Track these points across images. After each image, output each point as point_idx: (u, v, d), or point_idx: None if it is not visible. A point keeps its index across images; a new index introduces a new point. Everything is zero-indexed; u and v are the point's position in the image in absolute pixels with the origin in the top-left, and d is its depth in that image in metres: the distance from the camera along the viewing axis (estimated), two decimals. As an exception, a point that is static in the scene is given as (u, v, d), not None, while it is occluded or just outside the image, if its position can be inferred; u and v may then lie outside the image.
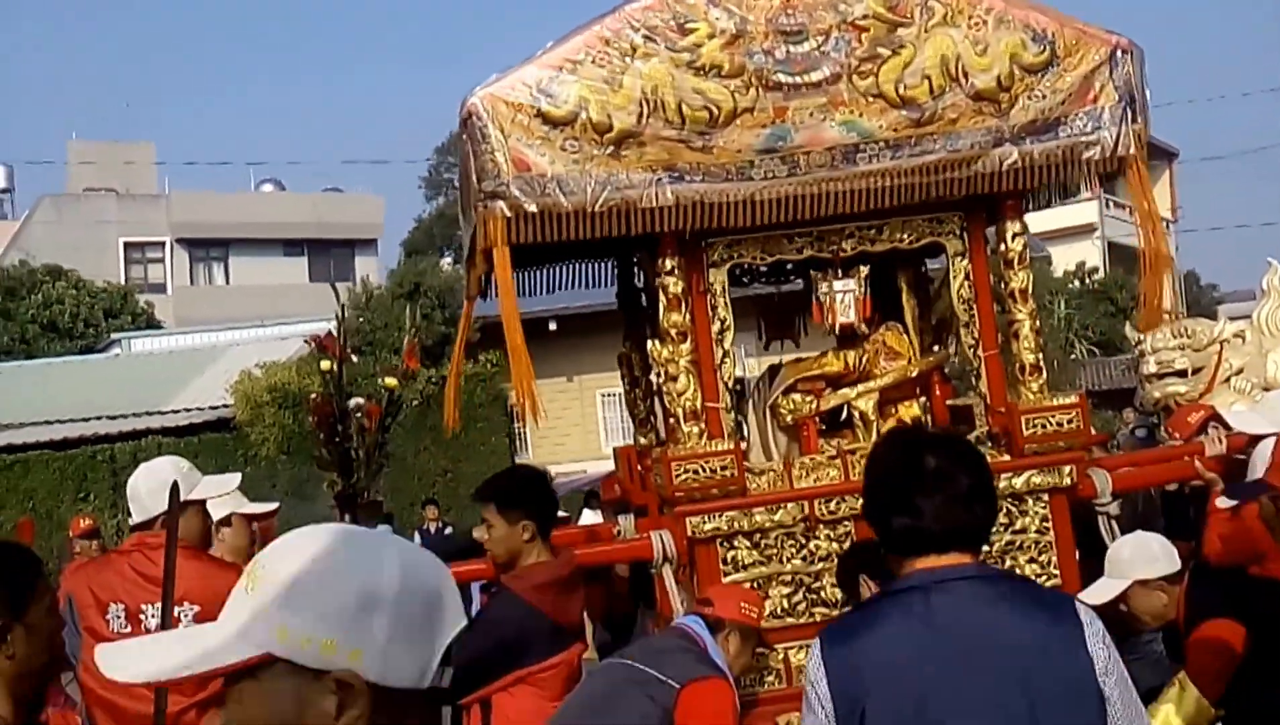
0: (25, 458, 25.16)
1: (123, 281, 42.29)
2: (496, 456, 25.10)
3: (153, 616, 4.96)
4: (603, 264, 7.15)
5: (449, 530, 18.82)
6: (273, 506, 6.91)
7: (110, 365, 32.82)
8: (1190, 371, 9.36)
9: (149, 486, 5.29)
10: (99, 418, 26.31)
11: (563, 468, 22.67)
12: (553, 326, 26.19)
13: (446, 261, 39.17)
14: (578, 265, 7.05)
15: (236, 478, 6.14)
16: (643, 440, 7.13)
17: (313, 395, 5.83)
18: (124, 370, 31.36)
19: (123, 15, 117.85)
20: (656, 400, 6.65)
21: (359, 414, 5.77)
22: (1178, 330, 9.67)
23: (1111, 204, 41.62)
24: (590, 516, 14.81)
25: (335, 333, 5.77)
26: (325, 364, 5.79)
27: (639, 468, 6.92)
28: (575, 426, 28.50)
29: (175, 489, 4.66)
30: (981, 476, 3.08)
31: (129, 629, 5.03)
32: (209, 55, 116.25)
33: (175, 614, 4.60)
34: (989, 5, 5.47)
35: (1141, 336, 9.78)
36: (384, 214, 51.05)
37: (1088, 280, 37.14)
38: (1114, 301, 34.45)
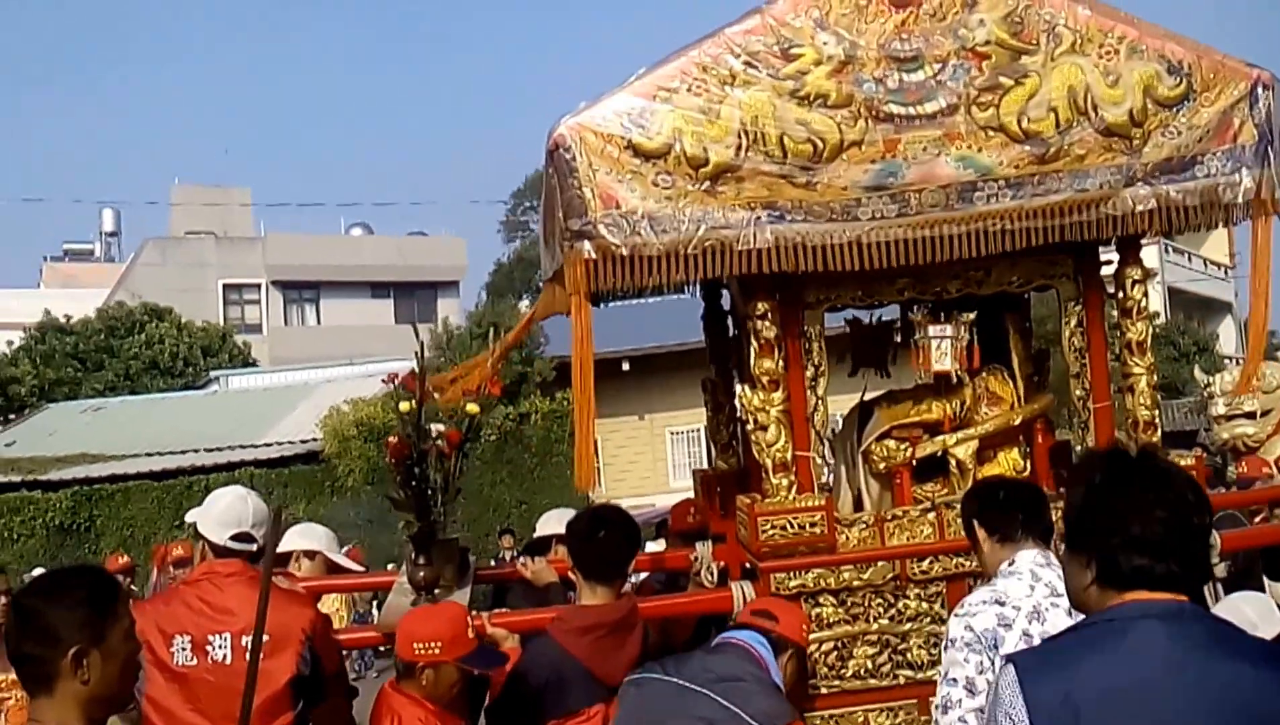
0: (126, 487, 24.94)
1: (221, 322, 42.18)
2: (569, 490, 24.75)
3: (220, 647, 4.51)
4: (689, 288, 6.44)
5: (524, 545, 18.83)
6: (360, 570, 6.35)
7: (208, 401, 32.71)
8: (1259, 413, 9.09)
9: (258, 517, 4.83)
10: (196, 450, 26.08)
11: (632, 502, 22.33)
12: (625, 367, 25.89)
13: (524, 304, 38.81)
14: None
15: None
16: (724, 466, 6.51)
17: (391, 438, 5.23)
18: (221, 406, 31.23)
19: (220, 65, 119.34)
20: (739, 426, 6.11)
21: (438, 440, 5.16)
22: (1248, 373, 9.15)
23: (1171, 250, 40.55)
24: (653, 549, 14.34)
25: (416, 373, 5.21)
26: (405, 405, 5.20)
27: (718, 493, 6.32)
28: (644, 462, 27.95)
29: (278, 514, 4.37)
30: (1205, 513, 2.65)
31: (195, 660, 4.53)
32: (301, 102, 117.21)
33: (244, 643, 4.32)
34: (1121, 33, 4.74)
35: (1210, 378, 9.36)
36: (466, 256, 50.78)
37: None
38: (1176, 346, 33.28)
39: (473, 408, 5.43)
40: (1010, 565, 4.13)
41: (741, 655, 4.21)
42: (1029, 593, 4.03)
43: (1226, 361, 29.54)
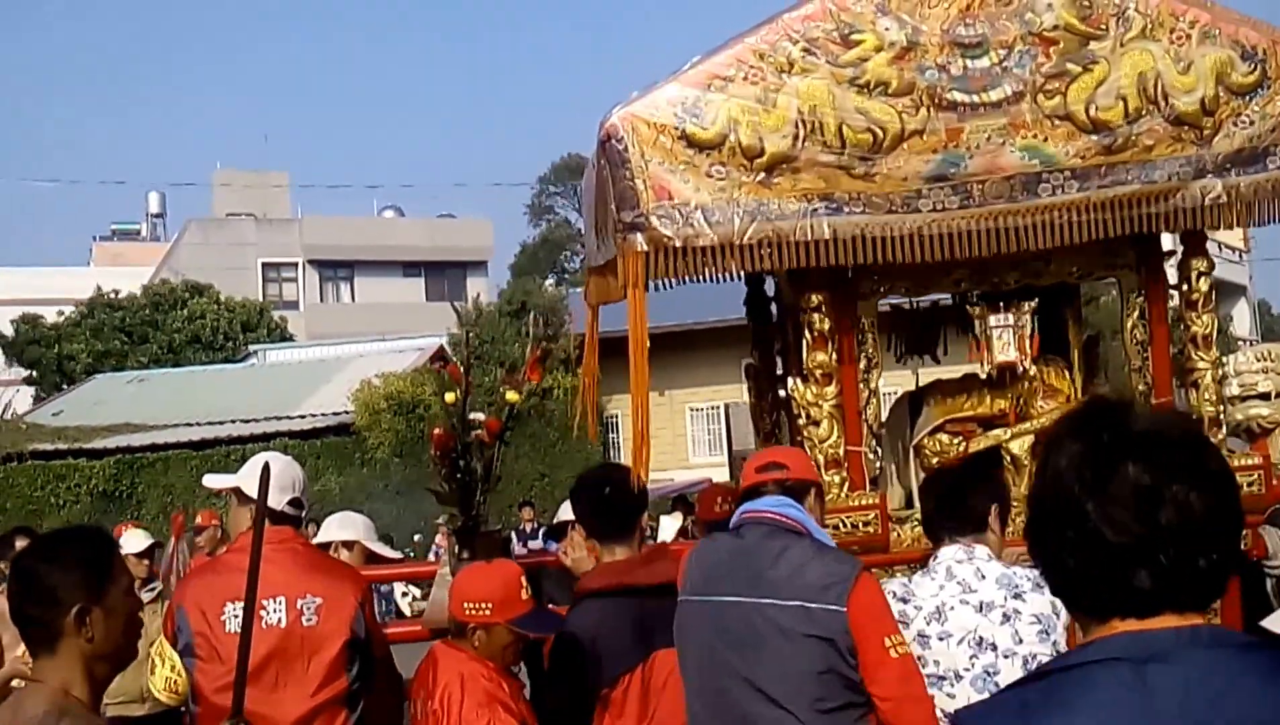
0: (166, 456, 24.74)
1: (260, 298, 41.96)
2: (590, 463, 24.43)
3: (274, 611, 4.23)
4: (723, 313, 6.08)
5: (543, 530, 18.85)
6: (398, 556, 6.02)
7: (246, 374, 32.56)
8: (1274, 394, 8.57)
9: (304, 482, 4.63)
10: (233, 421, 25.84)
11: (650, 477, 22.05)
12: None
13: (549, 283, 38.63)
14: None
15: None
16: None
17: (436, 430, 4.89)
18: (258, 379, 31.07)
19: (260, 55, 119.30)
20: (783, 413, 5.66)
21: (478, 429, 4.84)
22: (1261, 354, 8.89)
23: (1184, 233, 40.04)
24: (668, 522, 14.24)
25: (458, 359, 4.92)
26: (450, 396, 4.86)
27: None
28: (664, 438, 27.61)
29: (266, 470, 4.04)
30: (1223, 492, 1.69)
31: None
32: (336, 90, 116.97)
33: (299, 606, 4.21)
34: (1194, 17, 4.33)
35: (1225, 359, 8.95)
36: (493, 238, 50.55)
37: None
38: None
39: (513, 396, 5.11)
40: (934, 560, 3.85)
41: (771, 532, 3.64)
42: (937, 591, 3.75)
43: (1240, 343, 29.04)
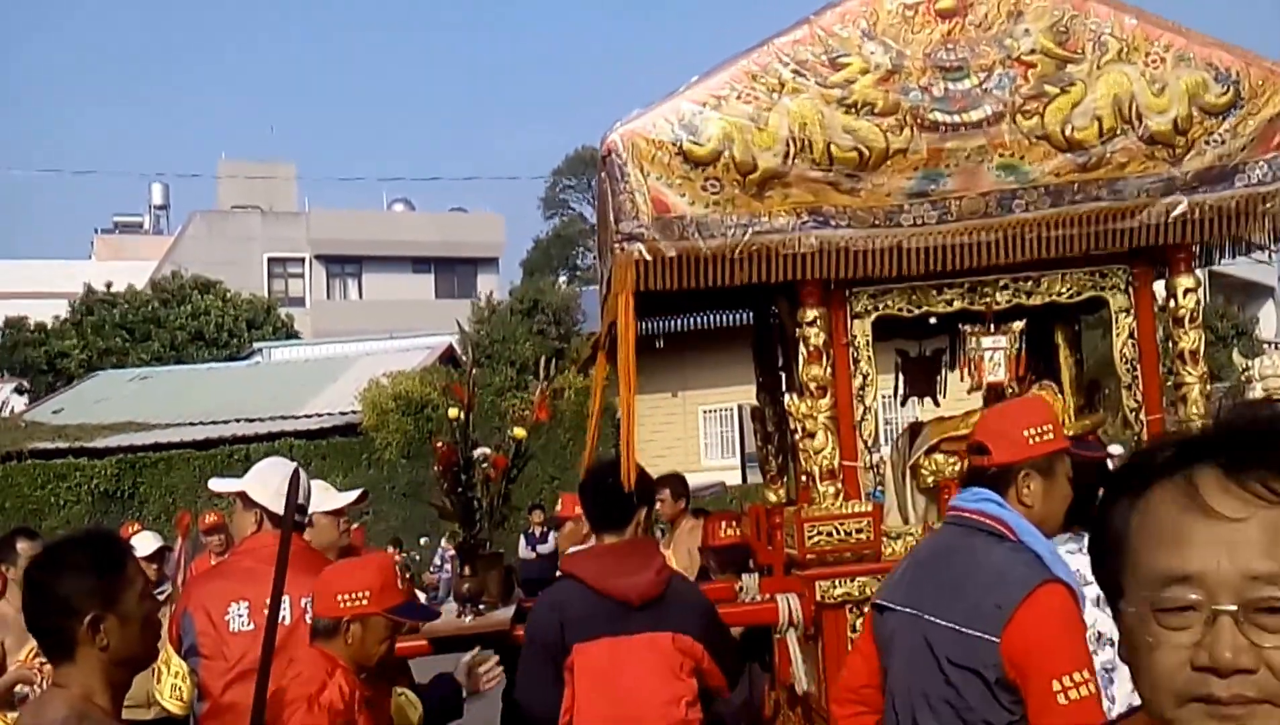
0: (169, 456, 25.10)
1: (265, 294, 42.32)
2: (602, 465, 24.56)
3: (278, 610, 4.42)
4: (736, 314, 6.41)
5: (552, 533, 19.12)
6: (355, 494, 5.92)
7: (251, 372, 32.88)
8: None
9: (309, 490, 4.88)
10: (238, 420, 26.16)
11: None
12: (659, 344, 25.74)
13: (562, 281, 38.87)
14: (713, 315, 6.36)
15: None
16: (773, 497, 6.32)
17: (439, 444, 5.16)
18: (263, 377, 31.37)
19: (266, 43, 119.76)
20: (789, 457, 5.94)
21: (484, 464, 5.10)
22: (1285, 358, 9.18)
23: (1214, 232, 39.85)
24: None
25: (465, 364, 5.20)
26: (453, 411, 5.15)
27: (768, 525, 6.13)
28: (677, 439, 27.87)
29: (295, 476, 4.16)
30: None
31: (251, 625, 4.51)
32: (344, 79, 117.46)
33: (303, 604, 4.35)
34: (1168, 41, 4.66)
35: (1249, 362, 9.30)
36: (504, 233, 50.82)
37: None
38: (1213, 329, 32.42)
39: (519, 432, 5.35)
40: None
41: (966, 533, 3.37)
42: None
43: (1266, 346, 29.07)
